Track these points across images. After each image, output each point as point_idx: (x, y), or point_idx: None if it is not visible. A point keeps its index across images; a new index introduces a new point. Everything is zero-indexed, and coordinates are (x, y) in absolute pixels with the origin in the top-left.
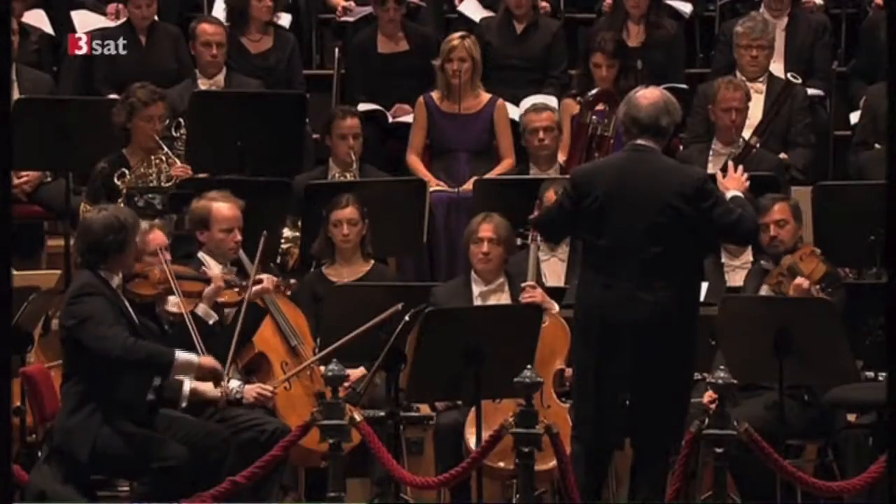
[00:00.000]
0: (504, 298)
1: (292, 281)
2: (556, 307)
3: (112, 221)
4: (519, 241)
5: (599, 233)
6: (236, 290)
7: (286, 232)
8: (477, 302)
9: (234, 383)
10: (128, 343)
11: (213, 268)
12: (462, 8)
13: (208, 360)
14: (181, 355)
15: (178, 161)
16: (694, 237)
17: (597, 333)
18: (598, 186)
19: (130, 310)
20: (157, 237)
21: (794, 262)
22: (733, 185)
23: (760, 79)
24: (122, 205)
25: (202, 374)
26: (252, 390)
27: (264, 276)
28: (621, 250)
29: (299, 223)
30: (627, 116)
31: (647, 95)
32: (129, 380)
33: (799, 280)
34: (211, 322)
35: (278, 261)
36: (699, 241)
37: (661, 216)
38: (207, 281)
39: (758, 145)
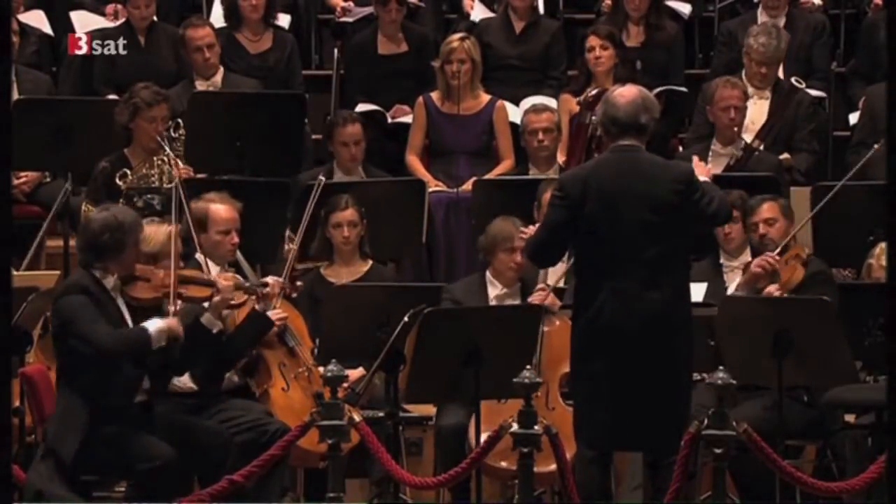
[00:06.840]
0: (517, 302)
1: (298, 283)
2: (559, 303)
3: (111, 221)
4: None
5: (598, 237)
6: (243, 293)
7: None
8: (492, 304)
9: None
10: (108, 336)
11: (211, 270)
12: (474, 15)
13: (174, 322)
14: (152, 327)
15: (180, 162)
16: (687, 234)
17: (606, 338)
18: (593, 189)
19: (125, 311)
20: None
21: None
22: (701, 171)
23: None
24: (122, 204)
25: (170, 335)
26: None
27: (270, 280)
28: (623, 252)
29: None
30: (606, 116)
31: (625, 94)
32: (118, 381)
33: (770, 288)
34: (215, 331)
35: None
36: (690, 236)
37: (659, 214)
38: (214, 285)
39: (760, 147)
